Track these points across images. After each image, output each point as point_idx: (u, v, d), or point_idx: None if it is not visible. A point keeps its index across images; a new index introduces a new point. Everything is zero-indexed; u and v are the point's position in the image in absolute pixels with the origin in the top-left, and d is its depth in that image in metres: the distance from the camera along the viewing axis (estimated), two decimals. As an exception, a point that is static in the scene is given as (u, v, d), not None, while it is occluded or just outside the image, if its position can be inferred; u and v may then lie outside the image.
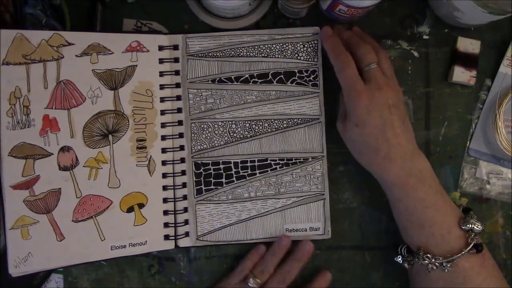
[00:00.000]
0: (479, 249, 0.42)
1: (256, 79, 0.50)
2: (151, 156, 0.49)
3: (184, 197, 0.50)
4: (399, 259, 0.46)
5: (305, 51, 0.51)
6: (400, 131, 0.44)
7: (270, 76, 0.51)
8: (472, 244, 0.42)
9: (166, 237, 0.49)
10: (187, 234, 0.50)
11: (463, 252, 0.42)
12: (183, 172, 0.50)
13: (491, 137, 0.51)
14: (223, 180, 0.50)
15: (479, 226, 0.43)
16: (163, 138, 0.49)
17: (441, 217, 0.43)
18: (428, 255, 0.43)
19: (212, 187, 0.50)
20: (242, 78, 0.50)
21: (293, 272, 0.49)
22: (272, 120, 0.50)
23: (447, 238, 0.43)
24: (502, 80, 0.52)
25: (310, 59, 0.51)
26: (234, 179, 0.50)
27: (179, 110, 0.50)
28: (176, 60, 0.50)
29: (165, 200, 0.49)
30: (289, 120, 0.51)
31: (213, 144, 0.50)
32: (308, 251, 0.50)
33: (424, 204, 0.43)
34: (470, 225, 0.43)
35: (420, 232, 0.44)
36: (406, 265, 0.46)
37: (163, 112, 0.49)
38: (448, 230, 0.43)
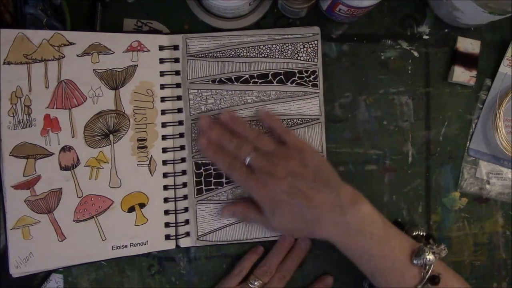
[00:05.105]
0: (436, 281, 0.41)
1: (256, 80, 0.51)
2: (151, 155, 0.49)
3: (185, 197, 0.50)
4: None
5: (305, 52, 0.51)
6: (313, 192, 0.43)
7: (270, 77, 0.51)
8: (426, 278, 0.41)
9: (167, 237, 0.49)
10: (187, 234, 0.50)
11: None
12: (184, 172, 0.50)
13: (491, 137, 0.51)
14: (224, 180, 0.50)
15: (431, 258, 0.41)
16: (164, 137, 0.49)
17: (390, 264, 0.42)
18: None
19: (212, 187, 0.50)
20: (242, 79, 0.50)
21: (292, 270, 0.49)
22: (273, 120, 0.50)
23: (401, 280, 0.42)
24: (502, 80, 0.52)
25: (310, 60, 0.51)
26: (234, 179, 0.50)
27: (179, 110, 0.50)
28: (176, 60, 0.50)
29: (165, 200, 0.49)
30: (289, 121, 0.51)
31: (213, 144, 0.50)
32: (305, 248, 0.50)
33: (370, 254, 0.42)
34: (422, 260, 0.41)
35: (375, 280, 0.43)
36: None
37: (163, 112, 0.49)
38: (401, 273, 0.42)
